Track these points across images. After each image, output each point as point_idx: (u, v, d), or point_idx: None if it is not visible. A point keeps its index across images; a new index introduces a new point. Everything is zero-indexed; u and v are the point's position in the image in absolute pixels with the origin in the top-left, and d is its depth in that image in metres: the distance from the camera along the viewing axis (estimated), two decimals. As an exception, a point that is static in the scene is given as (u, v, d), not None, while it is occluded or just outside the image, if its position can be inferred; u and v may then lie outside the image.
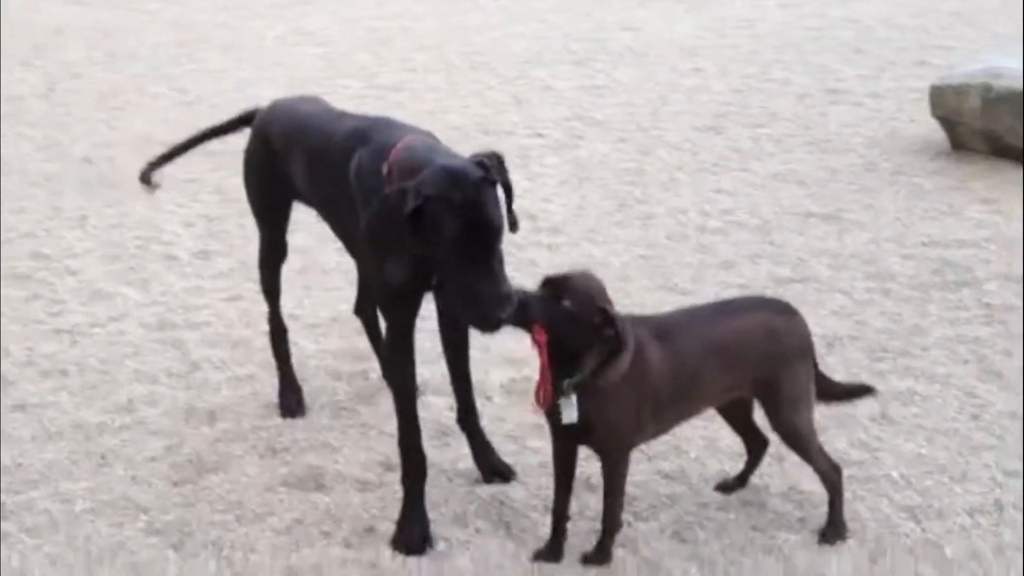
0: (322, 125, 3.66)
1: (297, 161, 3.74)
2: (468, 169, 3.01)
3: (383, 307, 3.44)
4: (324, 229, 5.57)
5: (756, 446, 3.70)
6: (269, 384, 4.40)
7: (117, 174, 7.20)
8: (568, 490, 3.39)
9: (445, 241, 2.93)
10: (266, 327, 4.81)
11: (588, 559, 3.36)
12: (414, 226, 2.94)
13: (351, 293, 5.21)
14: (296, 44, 11.33)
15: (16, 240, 6.04)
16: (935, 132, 7.22)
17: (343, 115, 3.76)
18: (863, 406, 4.08)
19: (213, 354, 4.65)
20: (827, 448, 3.82)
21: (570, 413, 3.15)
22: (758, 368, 3.38)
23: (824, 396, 3.60)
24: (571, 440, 3.32)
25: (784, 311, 3.51)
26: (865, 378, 4.31)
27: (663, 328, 3.36)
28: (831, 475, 3.48)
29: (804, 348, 3.46)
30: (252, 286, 5.31)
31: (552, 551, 3.38)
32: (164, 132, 8.10)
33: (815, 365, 3.53)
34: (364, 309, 4.41)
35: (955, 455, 3.85)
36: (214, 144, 7.69)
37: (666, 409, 3.34)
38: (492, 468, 3.78)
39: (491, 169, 3.05)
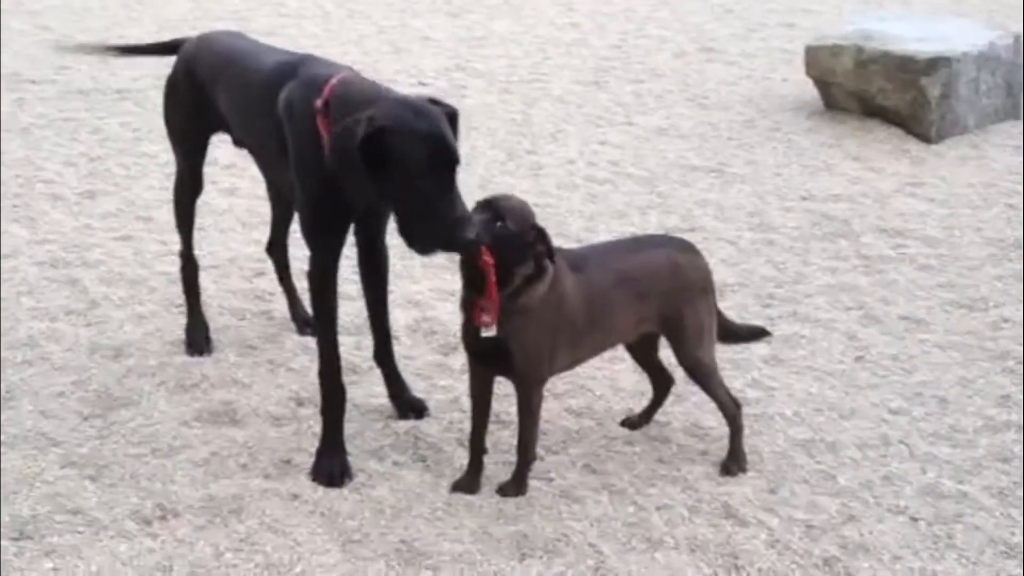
0: (250, 58, 3.68)
1: (224, 93, 3.74)
2: (425, 103, 3.11)
3: (310, 236, 3.43)
4: (214, 172, 5.56)
5: (661, 384, 3.84)
6: (172, 323, 4.36)
7: (-10, 111, 6.96)
8: (484, 423, 3.49)
9: (408, 171, 2.99)
10: (161, 267, 4.80)
11: (504, 489, 3.46)
12: (365, 157, 2.99)
13: (245, 235, 5.22)
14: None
15: None
16: (808, 92, 7.50)
17: (271, 50, 3.79)
18: (756, 349, 4.29)
19: (111, 292, 4.58)
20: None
21: (493, 328, 3.27)
22: (664, 302, 3.52)
23: (724, 336, 3.76)
24: (488, 365, 3.41)
25: (687, 249, 3.67)
26: (755, 324, 4.50)
27: (578, 259, 3.49)
28: (731, 409, 3.64)
29: (705, 285, 3.62)
30: (142, 226, 5.28)
31: (469, 482, 3.47)
32: (32, 70, 7.87)
33: (715, 303, 3.69)
34: (276, 248, 4.41)
35: (842, 394, 4.07)
36: (88, 84, 7.57)
37: (581, 339, 3.45)
38: (407, 404, 3.86)
39: (443, 103, 3.15)
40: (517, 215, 3.22)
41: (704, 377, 3.62)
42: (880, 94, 6.86)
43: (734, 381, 4.07)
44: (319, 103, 3.21)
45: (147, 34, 8.36)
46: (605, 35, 9.34)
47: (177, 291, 4.57)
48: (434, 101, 3.17)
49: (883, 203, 5.84)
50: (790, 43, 9.10)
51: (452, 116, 3.18)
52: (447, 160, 3.03)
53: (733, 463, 3.62)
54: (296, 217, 3.62)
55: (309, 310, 3.91)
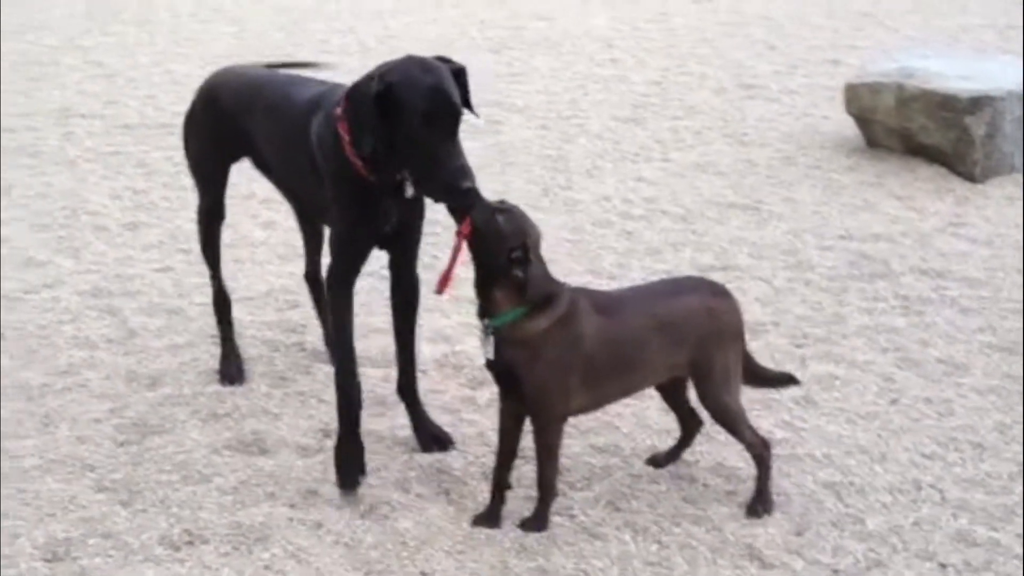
0: (281, 89, 3.84)
1: (255, 121, 3.87)
2: (433, 60, 3.35)
3: (336, 248, 3.59)
4: (252, 205, 5.66)
5: (690, 425, 3.82)
6: (207, 353, 4.44)
7: (39, 144, 7.13)
8: (509, 459, 3.51)
9: (413, 121, 3.19)
10: (199, 298, 4.89)
11: (525, 525, 3.47)
12: (380, 110, 3.20)
13: (281, 268, 5.29)
14: (208, 21, 11.25)
15: (-60, 207, 5.96)
16: (850, 129, 7.49)
17: (303, 80, 3.93)
18: (787, 390, 4.25)
19: (150, 322, 4.66)
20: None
21: (488, 350, 3.33)
22: (697, 347, 3.50)
23: (751, 380, 3.74)
24: (507, 395, 3.44)
25: (721, 293, 3.65)
26: (787, 363, 4.51)
27: (607, 301, 3.49)
28: (760, 449, 3.62)
29: (737, 330, 3.61)
30: (183, 257, 5.36)
31: (491, 516, 3.49)
32: (82, 104, 8.04)
33: (744, 347, 3.68)
34: (311, 277, 4.47)
35: (875, 437, 4.04)
36: (134, 118, 7.71)
37: (603, 380, 3.44)
38: (431, 437, 3.89)
39: (452, 61, 3.39)
40: (516, 222, 3.26)
41: (731, 421, 3.59)
42: (922, 132, 6.83)
43: (763, 421, 4.06)
44: (339, 110, 3.39)
45: (195, 69, 8.50)
46: (645, 71, 9.37)
47: (213, 322, 4.66)
48: (442, 58, 3.39)
49: (924, 243, 5.81)
50: (833, 80, 9.06)
51: (459, 72, 3.37)
52: (449, 111, 3.22)
53: (759, 504, 3.60)
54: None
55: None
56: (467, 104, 3.38)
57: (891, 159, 7.06)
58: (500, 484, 3.51)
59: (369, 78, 3.26)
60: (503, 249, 3.22)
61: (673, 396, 3.78)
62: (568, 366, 3.33)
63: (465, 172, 3.20)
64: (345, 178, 3.43)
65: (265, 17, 11.36)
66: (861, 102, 7.12)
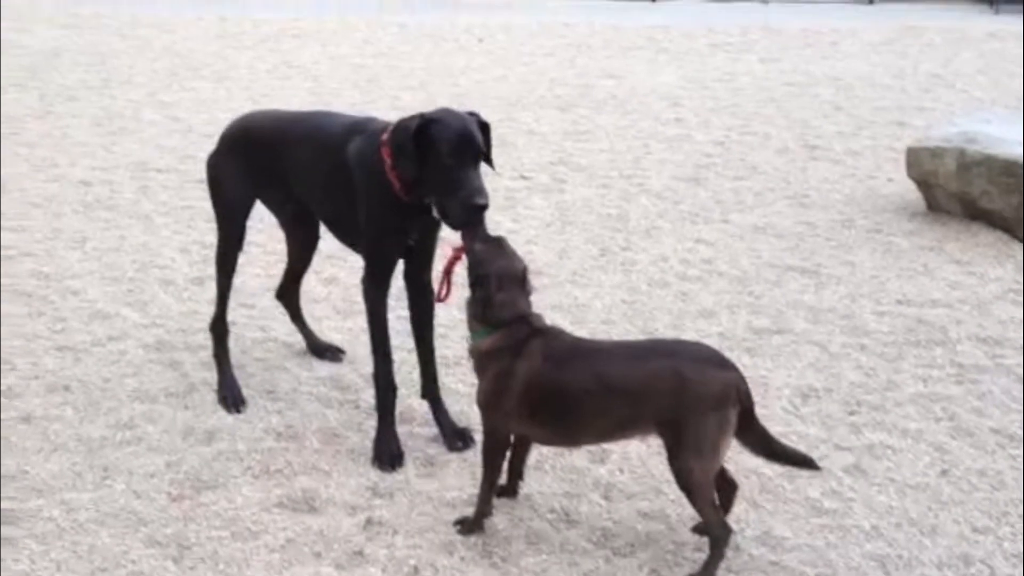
0: (315, 121, 4.40)
1: (287, 151, 4.34)
2: (463, 112, 4.01)
3: (369, 259, 4.19)
4: (316, 261, 5.75)
5: (726, 489, 3.77)
6: (264, 408, 4.54)
7: (115, 198, 7.37)
8: (517, 451, 3.86)
9: (442, 153, 3.80)
10: (258, 353, 5.03)
11: (462, 523, 3.78)
12: (417, 142, 3.82)
13: (339, 323, 5.39)
14: (286, 77, 11.55)
15: (17, 258, 6.18)
16: (911, 192, 7.47)
17: (333, 113, 4.49)
18: (838, 458, 4.26)
19: (209, 376, 4.77)
20: (799, 496, 4.02)
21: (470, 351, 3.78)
22: (661, 412, 3.47)
23: (765, 454, 3.70)
24: None
25: (705, 360, 3.55)
26: (839, 430, 4.50)
27: (562, 351, 3.62)
28: (718, 530, 3.52)
29: (720, 400, 3.46)
30: (244, 312, 5.49)
31: (473, 524, 3.77)
32: (159, 159, 8.30)
33: (749, 419, 3.56)
34: (287, 295, 5.09)
35: (925, 509, 4.00)
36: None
37: (543, 421, 3.63)
38: (454, 433, 4.33)
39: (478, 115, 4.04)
40: (488, 253, 3.68)
41: (693, 492, 3.50)
42: (984, 197, 6.79)
43: (810, 489, 4.05)
44: (385, 136, 3.97)
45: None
46: (709, 130, 9.43)
47: (272, 378, 4.78)
48: (472, 113, 4.01)
49: (983, 310, 5.75)
50: (898, 141, 9.05)
51: (484, 125, 3.99)
52: (472, 149, 3.84)
53: None
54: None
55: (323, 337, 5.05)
56: (487, 155, 3.98)
57: (951, 224, 7.02)
58: (509, 472, 3.89)
59: (411, 118, 3.92)
60: (472, 273, 3.69)
61: None
62: (500, 390, 3.60)
63: (481, 191, 3.79)
64: (381, 196, 3.99)
65: (341, 74, 11.64)
66: (922, 166, 7.10)
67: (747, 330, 5.45)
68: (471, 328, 3.73)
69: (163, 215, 7.05)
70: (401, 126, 3.93)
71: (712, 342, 5.22)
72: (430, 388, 4.43)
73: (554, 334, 3.69)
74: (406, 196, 3.95)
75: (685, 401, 3.44)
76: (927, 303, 5.84)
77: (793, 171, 8.27)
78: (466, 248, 3.76)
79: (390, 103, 10.21)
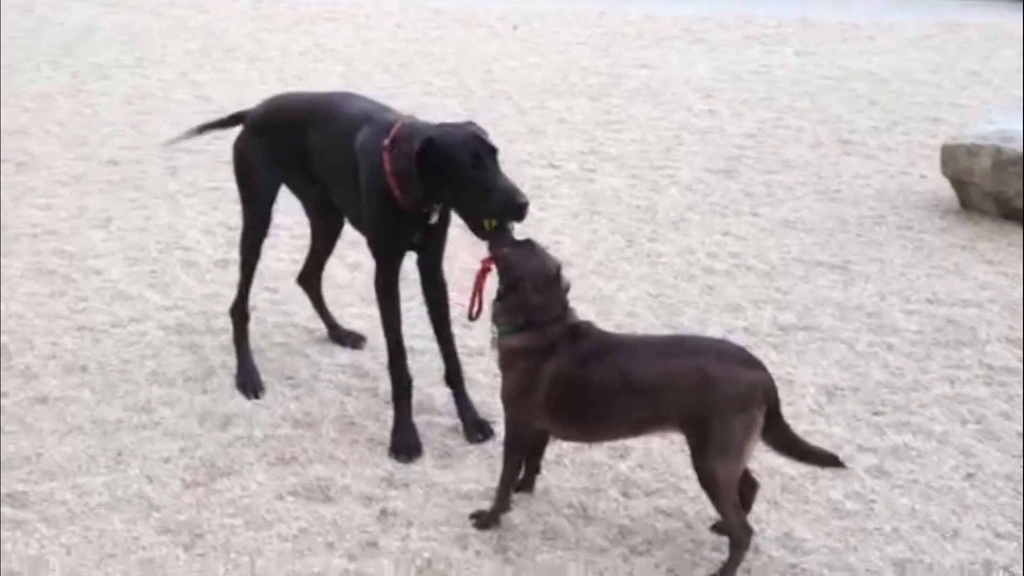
0: (335, 103, 4.33)
1: (311, 134, 4.26)
2: (460, 122, 3.97)
3: (377, 250, 4.13)
4: (340, 246, 5.71)
5: (747, 489, 3.71)
6: (282, 395, 4.52)
7: (143, 178, 7.36)
8: (530, 462, 3.84)
9: (458, 166, 3.69)
10: (279, 338, 5.00)
11: (477, 516, 3.74)
12: (420, 167, 3.73)
13: (362, 310, 5.35)
14: (318, 60, 11.51)
15: (42, 236, 6.19)
16: (945, 189, 7.35)
17: (354, 96, 4.42)
18: (861, 459, 4.20)
19: (229, 360, 4.75)
20: (821, 497, 3.96)
21: (493, 351, 3.72)
22: (685, 410, 3.41)
23: (790, 453, 3.65)
24: None
25: (731, 359, 3.49)
26: (863, 430, 4.43)
27: (595, 346, 3.56)
28: (740, 532, 3.47)
29: (746, 400, 3.40)
30: (266, 296, 5.46)
31: (490, 518, 3.74)
32: (192, 140, 8.25)
33: (775, 418, 3.50)
34: (309, 281, 5.03)
35: (948, 513, 3.93)
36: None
37: (565, 417, 3.58)
38: (475, 425, 4.29)
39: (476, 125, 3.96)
40: (518, 257, 3.59)
41: (717, 493, 3.45)
42: (1018, 196, 6.67)
43: (832, 491, 3.99)
44: (386, 141, 3.88)
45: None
46: (742, 123, 9.33)
47: (292, 364, 4.76)
48: (470, 122, 3.96)
49: (1013, 311, 5.65)
50: (933, 138, 8.92)
51: (482, 131, 3.91)
52: (487, 149, 3.74)
53: None
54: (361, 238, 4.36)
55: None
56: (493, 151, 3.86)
57: (984, 222, 6.91)
58: (526, 466, 3.84)
59: (409, 146, 3.78)
60: (505, 278, 3.60)
61: None
62: (527, 388, 3.55)
63: (516, 189, 3.69)
64: (380, 197, 3.93)
65: (374, 57, 11.60)
66: (957, 164, 6.98)
67: (773, 326, 5.38)
68: (495, 322, 3.65)
69: (189, 196, 7.04)
70: (401, 155, 3.81)
71: (737, 337, 5.19)
72: (453, 378, 4.40)
73: (583, 330, 3.63)
74: (405, 204, 3.90)
75: (710, 400, 3.38)
76: (957, 303, 5.74)
77: (825, 166, 8.16)
78: (496, 255, 3.65)
79: (421, 88, 10.17)
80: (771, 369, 3.60)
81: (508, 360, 3.62)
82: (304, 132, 4.31)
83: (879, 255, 6.39)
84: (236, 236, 6.27)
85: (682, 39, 13.30)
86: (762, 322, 5.42)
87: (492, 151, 3.77)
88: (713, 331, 5.25)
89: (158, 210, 6.74)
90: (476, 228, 3.76)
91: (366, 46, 12.26)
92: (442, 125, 3.93)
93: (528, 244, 3.64)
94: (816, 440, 4.18)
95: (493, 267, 3.67)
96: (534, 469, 3.89)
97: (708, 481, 3.45)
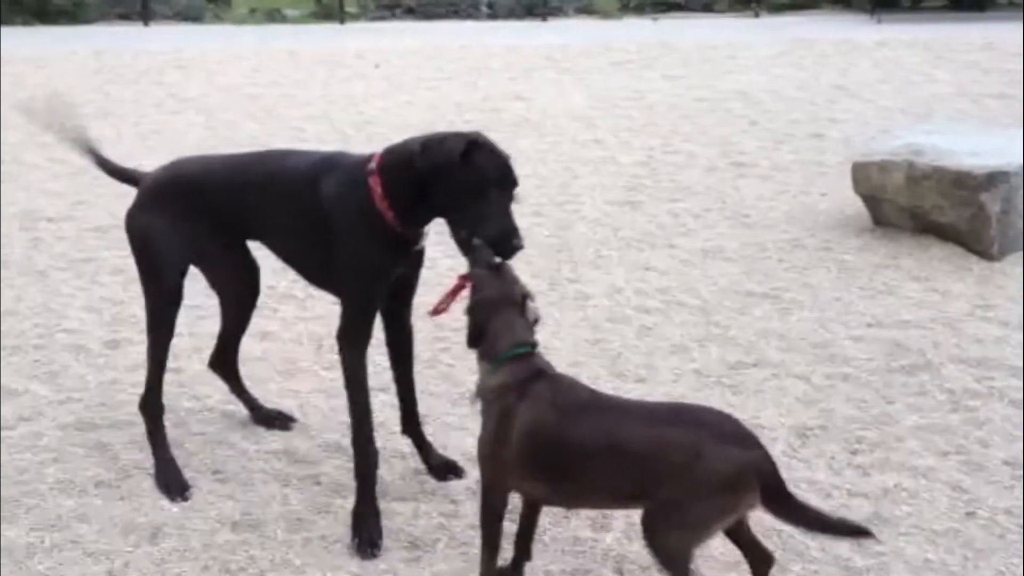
0: (277, 160, 3.95)
1: (256, 197, 3.89)
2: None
3: (351, 305, 3.77)
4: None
5: (759, 561, 3.35)
6: (213, 493, 3.98)
7: (6, 254, 6.66)
8: (526, 520, 3.48)
9: (486, 181, 3.50)
10: (196, 427, 4.49)
11: None
12: (464, 165, 3.48)
13: (283, 384, 4.86)
14: (175, 112, 10.92)
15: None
16: (852, 207, 7.23)
17: (294, 152, 4.06)
18: (856, 507, 3.91)
19: (144, 459, 4.17)
20: (828, 556, 3.65)
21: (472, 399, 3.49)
22: (665, 486, 3.06)
23: (806, 526, 3.25)
24: None
25: (728, 440, 3.11)
26: (848, 474, 4.14)
27: (576, 401, 3.26)
28: None
29: (729, 482, 3.07)
30: (171, 378, 4.88)
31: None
32: (50, 206, 7.62)
33: (779, 496, 3.13)
34: (223, 363, 4.55)
35: (962, 559, 3.65)
36: (106, 220, 7.28)
37: (539, 475, 3.23)
38: (444, 466, 4.12)
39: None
40: (503, 279, 3.39)
41: (670, 566, 3.09)
42: (935, 210, 6.57)
43: (838, 548, 3.67)
44: (372, 165, 3.63)
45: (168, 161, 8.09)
46: (631, 151, 9.11)
47: (218, 456, 4.25)
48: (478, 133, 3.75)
49: (956, 329, 5.49)
50: (821, 155, 8.88)
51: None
52: (512, 180, 3.60)
53: None
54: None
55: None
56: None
57: (902, 238, 6.79)
58: (515, 546, 3.47)
59: (451, 135, 3.57)
60: (477, 295, 3.40)
61: (734, 531, 3.29)
62: (503, 435, 3.22)
63: (519, 233, 3.57)
64: (368, 231, 3.63)
65: (235, 105, 11.05)
66: (870, 181, 6.86)
67: (722, 365, 5.08)
68: (479, 366, 3.39)
69: (62, 270, 6.39)
70: (445, 141, 3.55)
71: (689, 381, 4.91)
72: (412, 424, 4.17)
73: (567, 383, 3.32)
74: (400, 225, 3.63)
75: (693, 478, 3.02)
76: (898, 324, 5.56)
77: (726, 190, 7.98)
78: (471, 275, 3.48)
79: (294, 134, 9.66)
80: (735, 414, 3.31)
81: (487, 402, 3.34)
82: (235, 195, 3.92)
83: (807, 280, 6.19)
84: (124, 312, 5.74)
85: (549, 69, 13.13)
86: (710, 361, 5.12)
87: (514, 184, 3.61)
88: (664, 376, 4.93)
89: (29, 289, 6.08)
90: (463, 243, 3.58)
91: (225, 93, 11.69)
92: (479, 133, 3.68)
93: (499, 267, 3.45)
94: (802, 489, 3.92)
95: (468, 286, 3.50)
96: (524, 551, 3.46)
97: (662, 554, 3.08)
